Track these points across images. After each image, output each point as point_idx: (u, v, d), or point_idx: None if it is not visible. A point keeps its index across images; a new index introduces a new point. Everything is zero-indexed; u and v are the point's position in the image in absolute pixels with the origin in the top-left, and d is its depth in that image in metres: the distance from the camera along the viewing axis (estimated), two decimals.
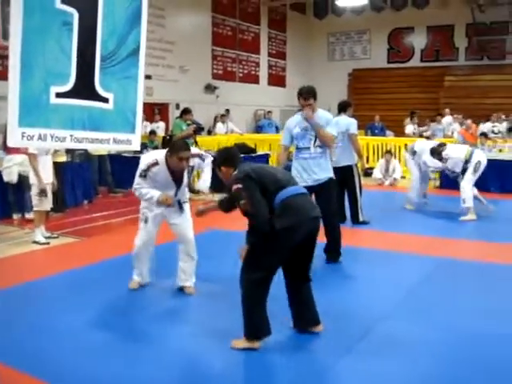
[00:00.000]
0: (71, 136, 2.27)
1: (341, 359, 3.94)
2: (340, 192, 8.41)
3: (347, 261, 6.65)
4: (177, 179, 5.22)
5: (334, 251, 6.55)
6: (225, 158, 4.32)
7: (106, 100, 2.39)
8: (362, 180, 8.90)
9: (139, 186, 5.18)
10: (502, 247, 7.31)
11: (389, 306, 5.07)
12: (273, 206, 3.98)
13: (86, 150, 11.25)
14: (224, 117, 18.45)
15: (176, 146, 5.02)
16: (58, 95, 2.21)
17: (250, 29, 22.28)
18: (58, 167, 9.27)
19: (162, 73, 17.20)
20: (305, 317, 4.36)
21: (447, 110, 18.91)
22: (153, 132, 14.12)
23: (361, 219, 8.65)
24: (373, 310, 4.94)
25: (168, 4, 17.09)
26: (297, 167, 6.40)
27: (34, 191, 7.53)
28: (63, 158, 9.71)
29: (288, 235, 3.95)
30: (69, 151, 9.92)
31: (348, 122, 8.43)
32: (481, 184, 12.11)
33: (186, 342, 4.31)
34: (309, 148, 6.33)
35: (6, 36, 13.14)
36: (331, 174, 6.48)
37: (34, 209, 7.65)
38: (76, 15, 2.23)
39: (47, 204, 7.74)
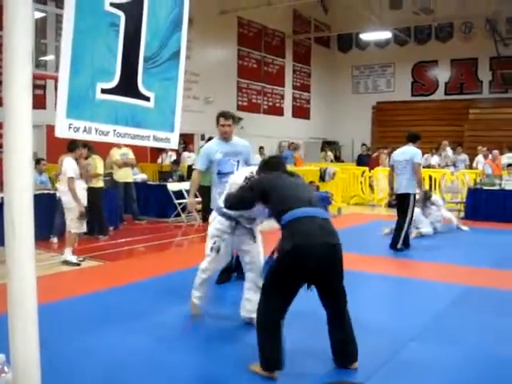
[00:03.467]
0: (114, 131, 2.35)
1: (370, 378, 3.93)
2: (398, 218, 8.84)
3: (371, 286, 6.66)
4: None
5: None
6: (266, 162, 4.51)
7: (147, 99, 2.48)
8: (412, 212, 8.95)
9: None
10: None
11: (415, 329, 5.05)
12: (281, 226, 3.96)
13: (111, 177, 11.44)
14: (262, 149, 18.73)
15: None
16: (104, 91, 2.30)
17: (274, 61, 22.58)
18: (97, 192, 9.49)
19: (187, 104, 17.41)
20: (341, 354, 4.11)
21: (445, 142, 18.65)
22: (176, 162, 14.25)
23: (398, 247, 8.78)
24: (400, 333, 4.93)
25: (195, 36, 17.39)
26: (220, 192, 6.15)
27: (72, 214, 7.71)
28: (101, 184, 9.90)
29: (293, 259, 3.77)
30: None
31: (414, 152, 8.74)
32: (506, 215, 12.11)
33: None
34: (232, 173, 6.29)
35: (38, 65, 13.50)
36: None
37: (73, 231, 7.81)
38: (123, 17, 2.33)
39: (84, 227, 7.94)
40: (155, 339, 4.69)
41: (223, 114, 6.42)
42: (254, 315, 4.36)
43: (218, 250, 5.04)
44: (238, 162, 6.43)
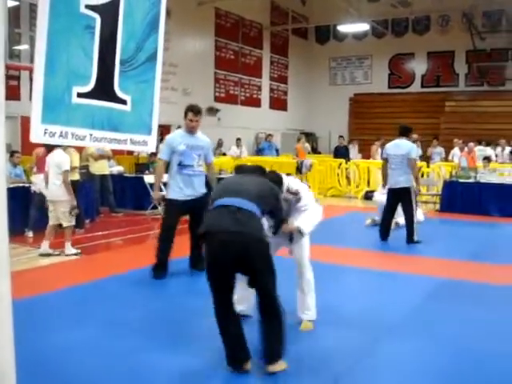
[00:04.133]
0: (91, 135, 2.33)
1: (348, 372, 3.96)
2: (391, 213, 8.99)
3: (348, 279, 6.71)
4: None
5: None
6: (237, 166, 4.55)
7: (124, 102, 2.46)
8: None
9: None
10: (502, 269, 7.35)
11: (392, 323, 5.09)
12: None
13: (88, 169, 11.33)
14: (239, 140, 18.61)
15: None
16: (80, 95, 2.27)
17: (252, 53, 22.52)
18: (73, 185, 9.40)
19: (165, 95, 17.28)
20: (262, 349, 3.90)
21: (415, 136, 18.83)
22: (154, 153, 14.14)
23: (415, 239, 8.85)
24: (377, 327, 4.97)
25: (173, 27, 17.23)
26: (179, 183, 6.48)
27: (64, 208, 7.77)
28: (77, 177, 9.80)
29: (205, 243, 3.83)
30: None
31: (410, 146, 8.78)
32: (481, 207, 12.25)
33: None
34: (193, 166, 6.51)
35: (12, 55, 13.29)
36: (205, 190, 6.70)
37: (67, 224, 7.87)
38: (98, 20, 2.31)
39: (74, 220, 8.04)
40: (134, 333, 4.66)
41: (192, 109, 6.52)
42: (303, 316, 4.86)
43: None
44: (199, 155, 6.57)
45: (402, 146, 8.73)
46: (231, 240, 3.70)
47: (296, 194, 4.77)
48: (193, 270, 6.75)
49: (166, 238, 6.57)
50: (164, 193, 7.23)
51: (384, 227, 9.09)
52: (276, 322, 3.85)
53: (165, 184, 7.39)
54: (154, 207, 11.64)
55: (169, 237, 6.57)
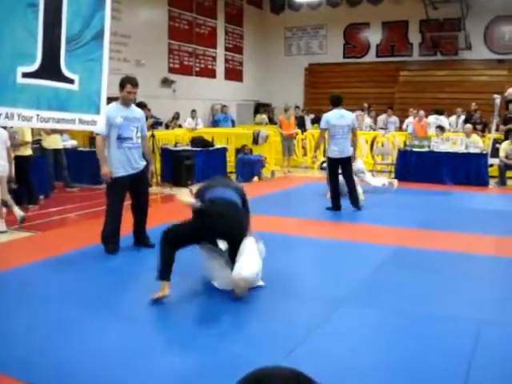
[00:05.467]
0: (37, 116, 2.29)
1: (303, 342, 4.03)
2: (337, 182, 9.15)
3: (302, 250, 6.79)
4: None
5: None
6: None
7: (71, 81, 2.42)
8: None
9: None
10: (452, 236, 7.53)
11: (345, 293, 5.18)
12: None
13: (40, 144, 11.14)
14: (194, 112, 18.39)
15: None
16: (25, 75, 2.22)
17: (206, 23, 22.25)
18: (25, 161, 9.28)
19: (118, 67, 16.89)
20: None
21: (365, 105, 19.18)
22: None
23: (361, 204, 9.31)
24: (329, 297, 5.05)
25: None
26: (119, 157, 6.42)
27: (4, 183, 7.80)
28: (30, 152, 9.64)
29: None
30: None
31: (352, 116, 9.21)
32: (435, 176, 12.49)
33: None
34: (132, 138, 6.48)
35: None
36: (145, 162, 6.74)
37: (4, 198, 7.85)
38: None
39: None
40: (91, 312, 4.65)
41: (131, 82, 6.46)
42: None
43: None
44: (137, 128, 6.53)
45: (347, 117, 9.00)
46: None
47: None
48: (138, 246, 6.75)
49: (113, 215, 6.54)
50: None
51: (336, 196, 9.23)
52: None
53: None
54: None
55: (116, 214, 6.55)
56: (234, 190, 5.46)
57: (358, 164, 10.77)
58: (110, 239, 6.52)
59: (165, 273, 4.84)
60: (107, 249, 6.50)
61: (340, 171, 9.14)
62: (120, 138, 6.37)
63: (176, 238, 4.93)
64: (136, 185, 6.56)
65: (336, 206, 9.19)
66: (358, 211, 9.13)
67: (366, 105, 19.31)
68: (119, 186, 6.48)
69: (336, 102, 9.05)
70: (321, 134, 9.28)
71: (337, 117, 8.96)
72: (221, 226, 4.95)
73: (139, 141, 6.60)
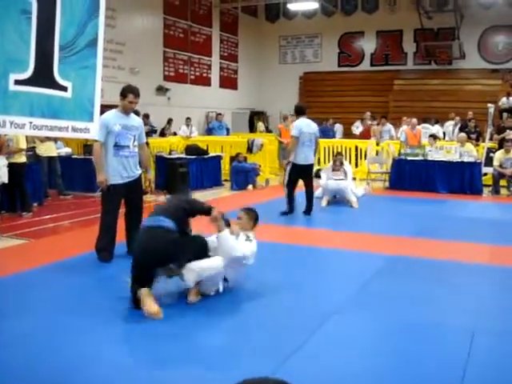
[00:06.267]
0: (30, 123, 2.27)
1: (292, 355, 4.00)
2: (293, 187, 9.37)
3: (295, 258, 6.77)
4: None
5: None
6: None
7: (64, 89, 2.41)
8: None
9: None
10: (445, 245, 7.53)
11: (339, 302, 5.17)
12: None
13: (34, 151, 11.11)
14: (189, 120, 18.37)
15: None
16: (17, 82, 2.21)
17: (201, 31, 22.29)
18: (19, 168, 9.24)
19: (113, 74, 16.87)
20: None
21: (368, 114, 19.21)
22: None
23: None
24: (324, 304, 5.04)
25: (119, 4, 16.91)
26: (116, 165, 6.40)
27: None
28: (24, 159, 9.60)
29: None
30: None
31: (315, 125, 9.56)
32: (429, 184, 12.51)
33: None
34: (129, 146, 6.47)
35: None
36: (140, 170, 6.75)
37: None
38: (35, 4, 2.23)
39: None
40: (85, 319, 4.62)
41: (133, 92, 6.46)
42: None
43: None
44: (135, 136, 6.52)
45: (312, 125, 9.47)
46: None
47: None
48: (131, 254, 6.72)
49: (108, 223, 6.52)
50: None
51: (292, 200, 9.52)
52: None
53: None
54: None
55: (111, 222, 6.53)
56: (173, 207, 5.26)
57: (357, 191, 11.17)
58: (105, 248, 6.49)
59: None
60: (101, 257, 6.47)
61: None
62: (117, 146, 6.36)
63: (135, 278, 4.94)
64: (131, 193, 6.55)
65: (291, 209, 9.49)
66: (354, 219, 9.16)
67: (368, 113, 19.28)
68: (115, 193, 6.46)
69: (301, 112, 9.55)
70: (294, 141, 9.35)
71: (305, 125, 9.34)
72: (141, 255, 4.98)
73: (136, 149, 6.58)
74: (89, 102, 2.55)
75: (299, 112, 9.53)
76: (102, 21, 2.53)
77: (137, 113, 11.86)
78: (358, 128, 18.77)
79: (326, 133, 19.15)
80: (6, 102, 2.18)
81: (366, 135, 17.24)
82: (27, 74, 2.24)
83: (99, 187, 6.57)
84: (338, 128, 20.29)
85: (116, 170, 6.39)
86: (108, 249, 6.52)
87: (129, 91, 6.41)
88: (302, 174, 9.37)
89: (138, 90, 6.52)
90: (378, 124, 17.59)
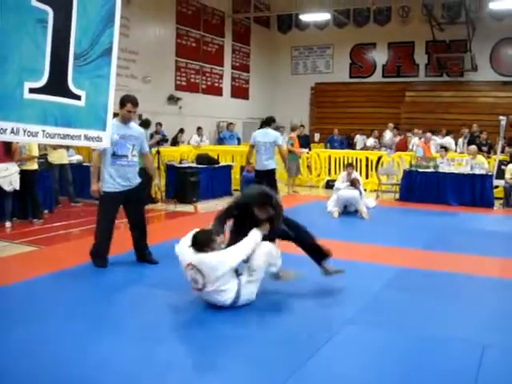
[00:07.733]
0: (43, 131, 2.28)
1: (303, 365, 3.99)
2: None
3: (305, 268, 6.74)
4: None
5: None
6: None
7: (78, 97, 2.42)
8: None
9: None
10: (456, 258, 7.48)
11: (351, 312, 5.15)
12: None
13: (46, 159, 11.16)
14: (200, 129, 18.43)
15: None
16: (32, 91, 2.22)
17: (214, 41, 22.39)
18: (31, 175, 9.28)
19: (125, 83, 16.92)
20: None
21: (390, 125, 19.31)
22: None
23: None
24: (334, 316, 5.02)
25: (132, 14, 17.04)
26: (112, 173, 6.42)
27: None
28: (35, 166, 9.64)
29: None
30: None
31: (276, 135, 10.23)
32: (440, 196, 12.46)
33: None
34: (127, 156, 6.47)
35: None
36: (139, 180, 6.72)
37: None
38: (51, 13, 2.24)
39: None
40: (94, 328, 4.62)
41: (132, 101, 6.46)
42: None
43: None
44: (134, 146, 6.53)
45: (270, 135, 10.07)
46: None
47: None
48: (141, 262, 6.74)
49: (104, 231, 6.55)
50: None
51: None
52: None
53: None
54: None
55: (106, 228, 6.55)
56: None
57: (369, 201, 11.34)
58: (98, 254, 6.54)
59: None
60: (96, 263, 6.52)
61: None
62: (115, 155, 6.37)
63: None
64: (129, 202, 6.56)
65: None
66: (364, 231, 9.12)
67: (391, 124, 19.38)
68: (110, 201, 6.47)
69: (265, 123, 10.39)
70: (249, 149, 10.45)
71: (261, 135, 10.12)
72: None
73: (135, 159, 6.58)
74: (102, 110, 2.55)
75: (264, 123, 10.47)
76: (117, 30, 2.54)
77: (147, 121, 11.97)
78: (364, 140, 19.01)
79: (332, 143, 19.40)
80: (20, 110, 2.19)
81: (401, 146, 17.17)
82: (42, 82, 2.25)
83: (93, 196, 6.62)
84: (359, 139, 20.18)
85: (112, 178, 6.42)
86: (103, 255, 6.55)
87: (127, 100, 6.42)
88: (263, 178, 9.80)
89: (136, 99, 6.52)
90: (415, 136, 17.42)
